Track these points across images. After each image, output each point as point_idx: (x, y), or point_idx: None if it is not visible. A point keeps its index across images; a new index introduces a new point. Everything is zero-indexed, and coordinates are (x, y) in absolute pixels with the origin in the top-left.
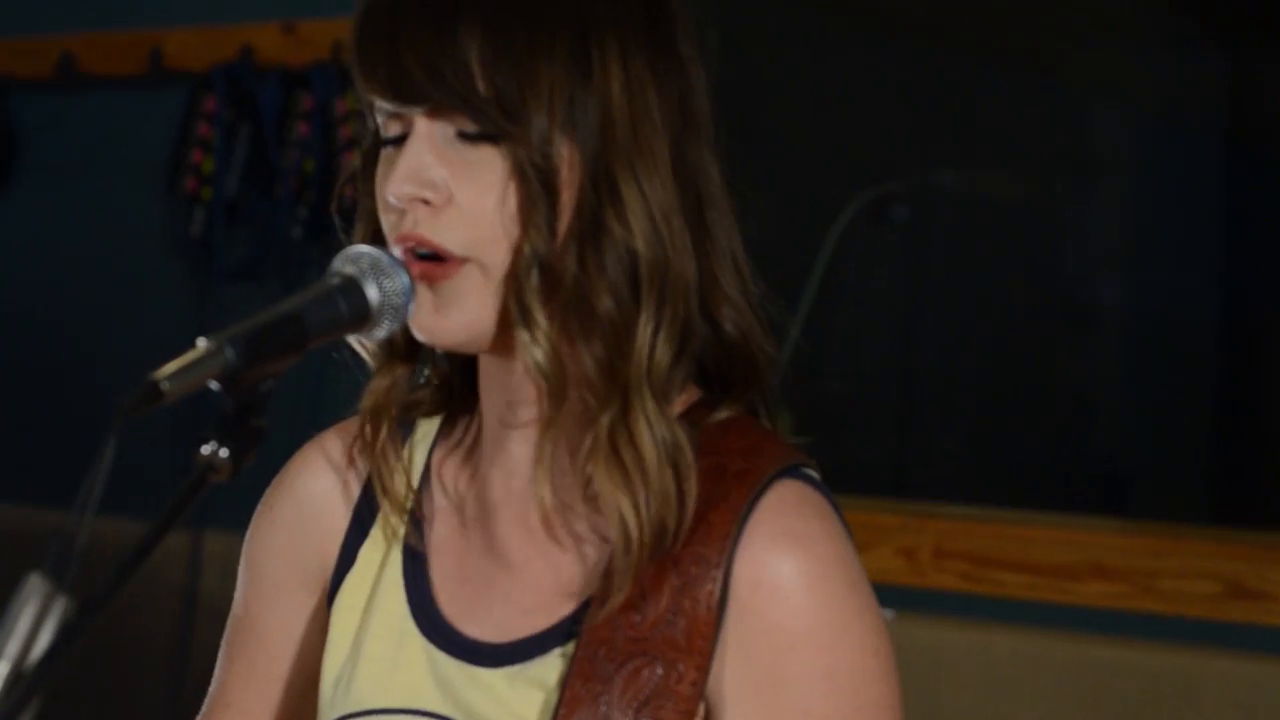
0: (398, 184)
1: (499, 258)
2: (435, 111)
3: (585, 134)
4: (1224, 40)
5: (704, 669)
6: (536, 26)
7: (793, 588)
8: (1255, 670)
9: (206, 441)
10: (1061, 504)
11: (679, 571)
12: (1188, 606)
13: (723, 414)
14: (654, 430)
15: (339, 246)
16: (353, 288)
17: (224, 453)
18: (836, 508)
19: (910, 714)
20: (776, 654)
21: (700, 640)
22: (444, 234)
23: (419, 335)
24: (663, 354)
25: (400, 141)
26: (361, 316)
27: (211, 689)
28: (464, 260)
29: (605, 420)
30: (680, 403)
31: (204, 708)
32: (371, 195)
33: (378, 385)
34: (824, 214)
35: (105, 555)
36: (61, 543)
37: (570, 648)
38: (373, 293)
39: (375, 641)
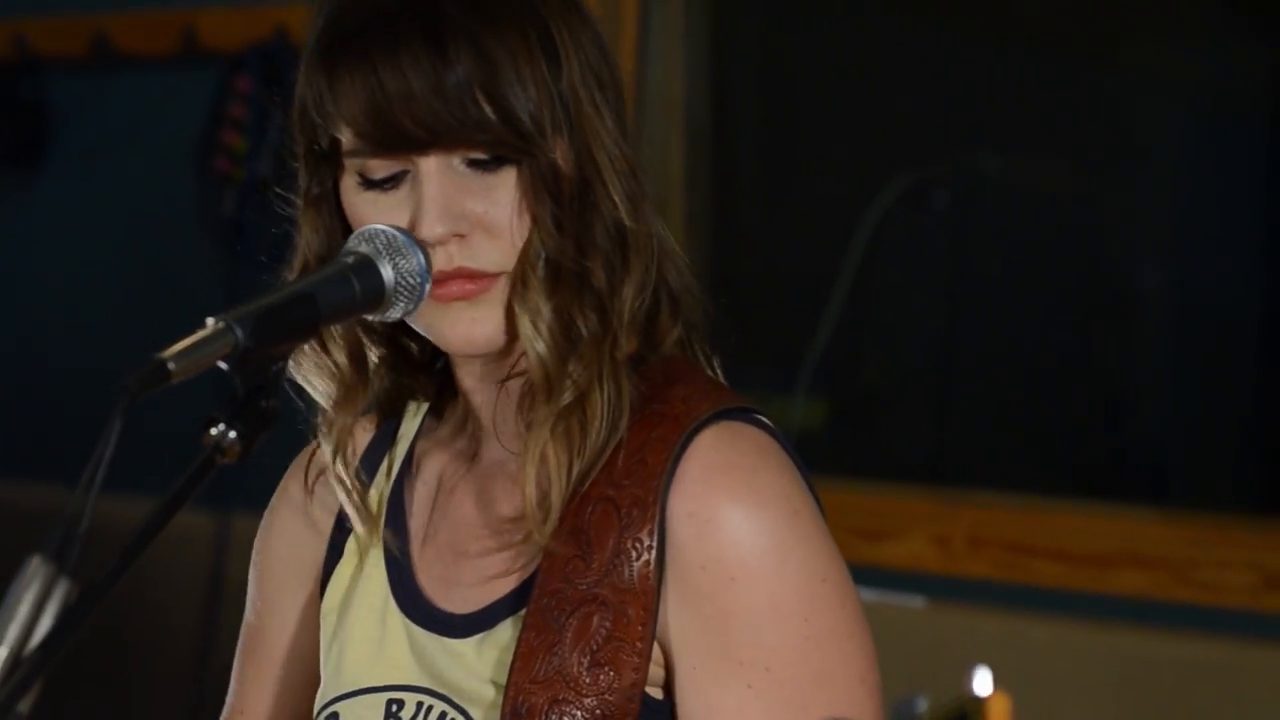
0: (431, 226)
1: (515, 262)
2: (445, 148)
3: (568, 122)
4: (1269, 31)
5: (651, 609)
6: (509, 30)
7: (726, 518)
8: None
9: (215, 423)
10: (1100, 492)
11: (620, 516)
12: (1226, 597)
13: (665, 349)
14: (607, 398)
15: None
16: (368, 267)
17: (232, 435)
18: (789, 449)
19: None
20: (718, 588)
21: (644, 581)
22: (481, 259)
23: (456, 348)
24: (637, 311)
25: (391, 183)
26: (376, 297)
27: (228, 698)
28: (499, 274)
29: (583, 385)
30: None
31: (221, 716)
32: (328, 230)
33: (344, 421)
34: (864, 198)
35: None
36: (64, 524)
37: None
38: (388, 273)
39: (360, 624)
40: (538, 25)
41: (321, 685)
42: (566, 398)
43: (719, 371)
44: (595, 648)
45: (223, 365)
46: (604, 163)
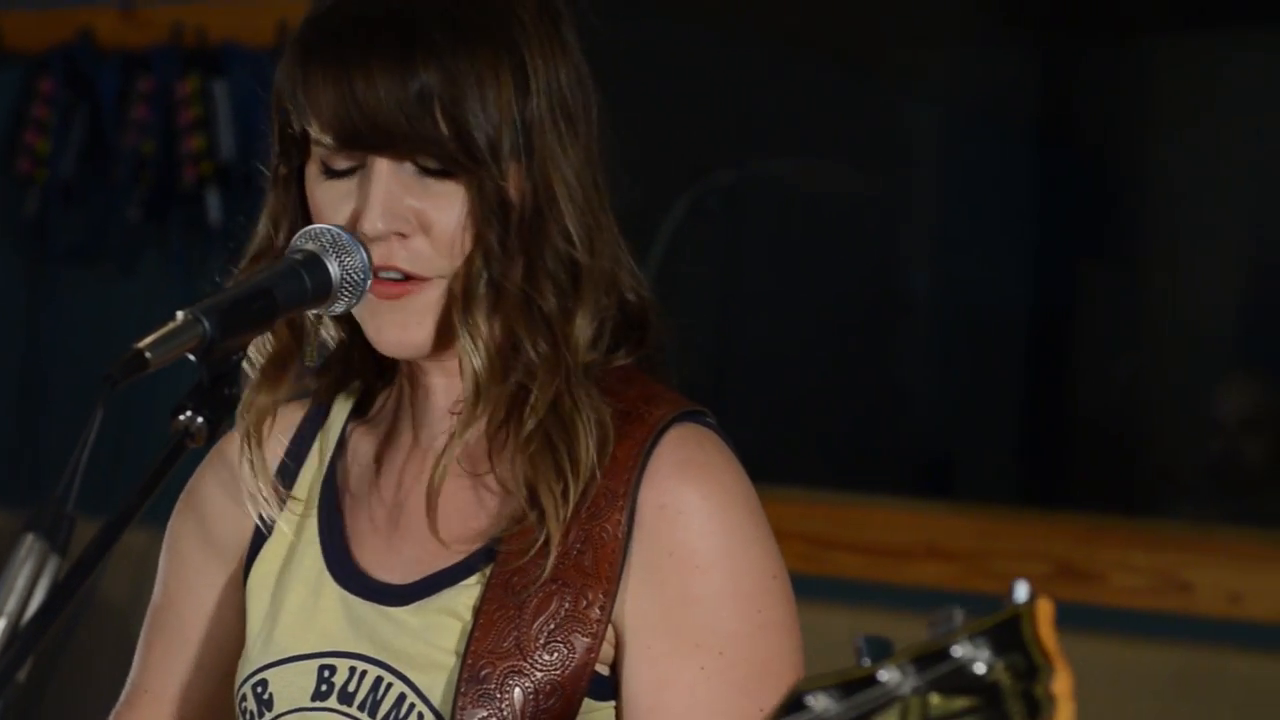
0: (373, 221)
1: (454, 274)
2: (398, 153)
3: (527, 150)
4: (1034, 38)
5: (611, 594)
6: (482, 54)
7: (696, 511)
8: (1085, 648)
9: (183, 410)
10: (880, 487)
11: (586, 505)
12: None
13: (616, 363)
14: (586, 416)
15: (178, 228)
16: (315, 263)
17: (200, 420)
18: (734, 452)
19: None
20: (683, 575)
21: (608, 567)
22: (418, 262)
23: (384, 350)
24: (593, 336)
25: (348, 174)
26: (323, 292)
27: (131, 676)
28: (430, 278)
29: (542, 410)
30: None
31: (123, 695)
32: (289, 215)
33: (262, 401)
34: (653, 206)
35: None
36: (54, 505)
37: (474, 580)
38: (334, 269)
39: (293, 596)
40: (513, 53)
41: (245, 656)
42: (530, 423)
43: (671, 379)
44: (554, 626)
45: (190, 356)
46: (561, 195)
